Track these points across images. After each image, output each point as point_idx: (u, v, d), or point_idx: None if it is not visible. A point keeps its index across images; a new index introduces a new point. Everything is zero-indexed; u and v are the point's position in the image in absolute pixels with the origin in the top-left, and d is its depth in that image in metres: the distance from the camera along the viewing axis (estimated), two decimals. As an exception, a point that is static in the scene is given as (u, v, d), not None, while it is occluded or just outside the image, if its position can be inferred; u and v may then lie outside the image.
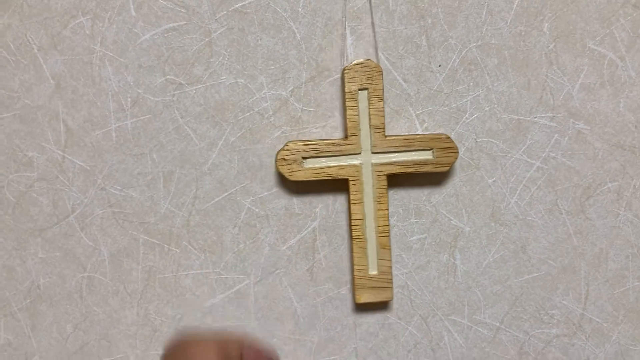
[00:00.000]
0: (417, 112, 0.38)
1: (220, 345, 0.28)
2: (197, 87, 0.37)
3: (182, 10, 0.37)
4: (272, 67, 0.38)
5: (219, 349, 0.28)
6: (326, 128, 0.38)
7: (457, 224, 0.39)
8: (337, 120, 0.38)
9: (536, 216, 0.39)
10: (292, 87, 0.38)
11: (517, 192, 0.39)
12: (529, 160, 0.39)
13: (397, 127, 0.38)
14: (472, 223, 0.39)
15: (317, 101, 0.38)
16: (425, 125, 0.38)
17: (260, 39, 0.37)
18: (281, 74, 0.38)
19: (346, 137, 0.36)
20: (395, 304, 0.39)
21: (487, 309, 0.39)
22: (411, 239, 0.39)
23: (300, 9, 0.37)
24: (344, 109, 0.36)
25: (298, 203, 0.38)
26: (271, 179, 0.38)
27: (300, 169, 0.36)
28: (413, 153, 0.36)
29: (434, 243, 0.39)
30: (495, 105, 0.38)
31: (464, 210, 0.39)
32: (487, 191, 0.39)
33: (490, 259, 0.39)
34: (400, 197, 0.39)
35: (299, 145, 0.36)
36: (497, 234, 0.39)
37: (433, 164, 0.36)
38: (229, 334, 0.29)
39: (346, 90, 0.36)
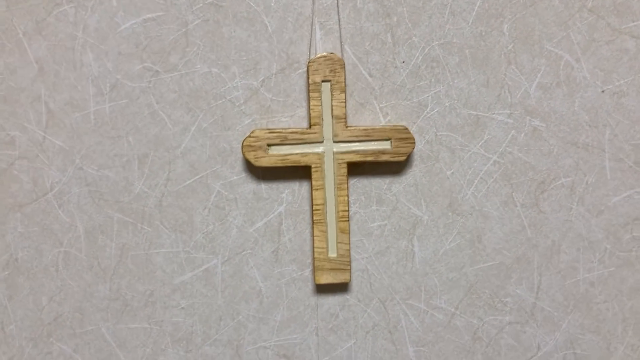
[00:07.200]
0: (381, 106, 0.40)
1: None
2: (172, 74, 0.40)
3: (161, 1, 0.39)
4: (245, 58, 0.40)
5: None
6: (294, 117, 0.40)
7: (416, 213, 0.41)
8: (304, 110, 0.40)
9: (492, 208, 0.41)
10: (262, 78, 0.40)
11: (474, 184, 0.41)
12: (486, 154, 0.41)
13: (362, 119, 0.40)
14: (431, 212, 0.41)
15: (286, 92, 0.40)
16: (389, 118, 0.40)
17: (234, 31, 0.40)
18: (253, 64, 0.40)
19: (310, 126, 0.39)
20: (355, 287, 0.41)
21: (443, 294, 0.41)
22: (372, 225, 0.41)
23: (272, 4, 0.39)
24: (308, 99, 0.39)
25: (265, 188, 0.41)
26: (240, 164, 0.40)
27: (265, 155, 0.38)
28: (372, 143, 0.38)
29: (393, 230, 0.41)
30: (455, 101, 0.40)
31: (422, 199, 0.41)
32: (445, 182, 0.41)
33: (447, 247, 0.41)
34: (363, 185, 0.41)
35: (264, 133, 0.38)
36: (454, 224, 0.41)
37: (391, 153, 0.38)
38: None
39: (310, 81, 0.38)
